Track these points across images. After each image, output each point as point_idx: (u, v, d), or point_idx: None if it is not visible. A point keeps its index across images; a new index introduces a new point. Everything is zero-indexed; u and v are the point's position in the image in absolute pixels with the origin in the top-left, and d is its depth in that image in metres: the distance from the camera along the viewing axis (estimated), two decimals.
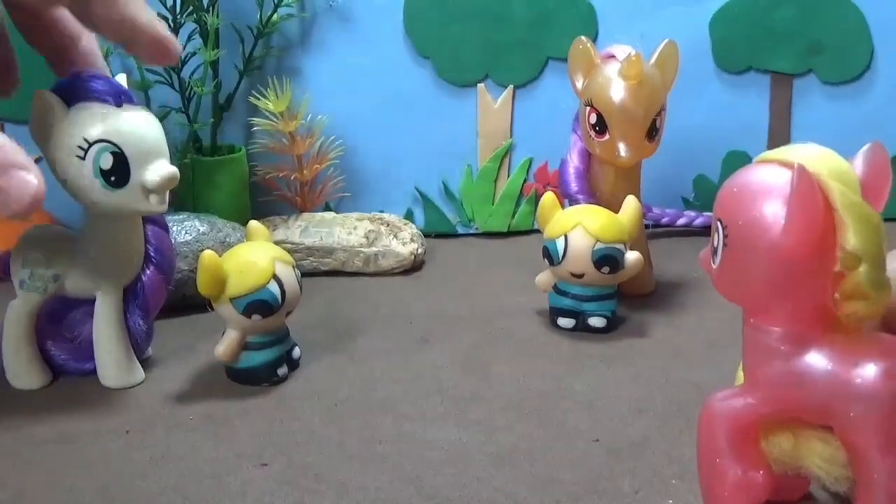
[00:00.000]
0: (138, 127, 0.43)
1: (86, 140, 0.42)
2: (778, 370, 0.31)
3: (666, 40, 0.54)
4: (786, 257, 0.29)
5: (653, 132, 0.54)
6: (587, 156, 0.57)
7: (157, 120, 0.45)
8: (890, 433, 0.29)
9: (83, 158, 0.42)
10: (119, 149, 0.42)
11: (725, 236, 0.32)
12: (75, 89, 0.43)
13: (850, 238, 0.29)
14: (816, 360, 0.30)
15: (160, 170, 0.43)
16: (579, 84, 0.55)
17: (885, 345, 0.30)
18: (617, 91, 0.52)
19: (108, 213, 0.45)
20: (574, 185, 0.57)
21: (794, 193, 0.29)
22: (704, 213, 0.72)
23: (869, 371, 0.29)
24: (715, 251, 0.33)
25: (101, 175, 0.43)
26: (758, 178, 0.31)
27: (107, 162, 0.42)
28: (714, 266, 0.33)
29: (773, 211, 0.30)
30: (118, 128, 0.42)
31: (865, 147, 0.31)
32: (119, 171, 0.43)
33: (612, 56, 0.54)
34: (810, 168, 0.29)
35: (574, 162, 0.57)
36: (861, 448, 0.30)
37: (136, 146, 0.43)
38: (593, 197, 0.56)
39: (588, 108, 0.53)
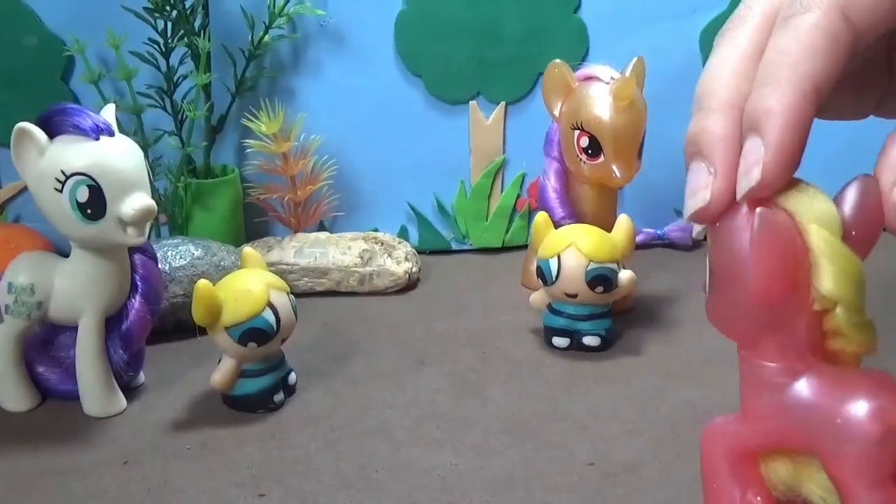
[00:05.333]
0: (116, 159, 0.43)
1: (63, 173, 0.43)
2: (766, 402, 0.31)
3: (635, 58, 0.55)
4: (757, 298, 0.29)
5: (640, 150, 0.54)
6: (565, 176, 0.57)
7: (138, 151, 0.45)
8: (873, 471, 0.29)
9: (60, 191, 0.43)
10: (95, 182, 0.43)
11: (711, 270, 0.32)
12: (56, 122, 0.43)
13: (825, 281, 0.28)
14: (803, 394, 0.30)
15: (136, 203, 0.44)
16: (557, 109, 0.55)
17: (874, 383, 0.30)
18: (612, 113, 0.52)
19: (87, 244, 0.45)
20: (560, 211, 0.57)
21: (752, 239, 0.28)
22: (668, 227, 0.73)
23: (854, 409, 0.29)
24: (707, 280, 0.33)
25: (78, 208, 0.43)
26: (738, 216, 0.31)
27: (83, 195, 0.43)
28: (706, 296, 0.33)
29: (745, 251, 0.29)
30: (95, 161, 0.43)
31: (856, 183, 0.29)
32: (95, 203, 0.43)
33: (592, 77, 0.54)
34: (788, 206, 0.29)
35: (553, 185, 0.57)
36: (844, 483, 0.29)
37: (113, 179, 0.43)
38: (577, 219, 0.56)
39: (577, 131, 0.53)
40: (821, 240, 0.29)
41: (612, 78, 0.53)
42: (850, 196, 0.30)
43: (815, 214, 0.29)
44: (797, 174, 0.31)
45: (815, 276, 0.29)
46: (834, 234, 0.29)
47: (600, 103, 0.52)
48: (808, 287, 0.29)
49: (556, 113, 0.55)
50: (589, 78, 0.54)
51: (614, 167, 0.53)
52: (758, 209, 0.29)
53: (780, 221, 0.29)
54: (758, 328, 0.31)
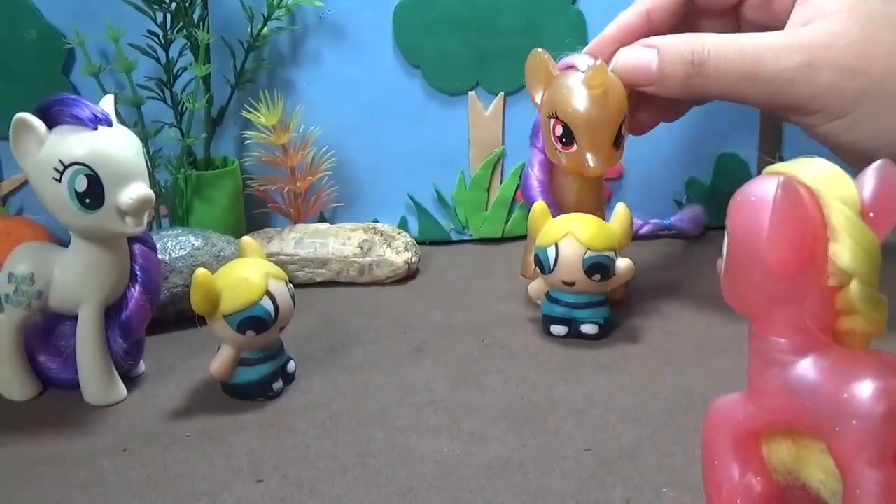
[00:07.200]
0: (114, 149, 0.44)
1: (61, 162, 0.43)
2: (774, 379, 0.32)
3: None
4: (772, 269, 0.30)
5: (618, 140, 0.54)
6: (549, 167, 0.58)
7: (136, 141, 0.45)
8: (875, 449, 0.29)
9: (59, 181, 0.43)
10: (93, 171, 0.43)
11: (728, 244, 0.32)
12: (55, 112, 0.44)
13: (842, 255, 0.29)
14: (809, 372, 0.31)
15: (134, 192, 0.44)
16: (538, 97, 0.55)
17: (881, 363, 0.30)
18: (583, 101, 0.52)
19: (86, 234, 0.45)
20: (542, 200, 0.57)
21: (774, 206, 0.29)
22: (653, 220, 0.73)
23: (858, 389, 0.29)
24: (723, 258, 0.33)
25: (77, 197, 0.43)
26: (758, 190, 0.31)
27: (81, 184, 0.43)
28: (720, 272, 0.33)
29: (765, 222, 0.30)
30: (93, 150, 0.43)
31: (876, 165, 0.30)
32: (94, 193, 0.43)
33: (572, 67, 0.54)
34: (811, 183, 0.30)
35: (537, 174, 0.58)
36: (846, 461, 0.30)
37: (111, 169, 0.43)
38: (560, 209, 0.57)
39: (553, 120, 0.53)
40: (842, 215, 0.29)
41: (588, 67, 0.53)
42: (870, 179, 0.31)
43: (837, 192, 0.30)
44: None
45: (833, 250, 0.29)
46: (854, 211, 0.29)
47: (574, 92, 0.52)
48: (823, 262, 0.30)
49: (538, 101, 0.55)
50: (569, 67, 0.54)
51: (588, 156, 0.53)
52: (781, 178, 0.29)
53: (802, 192, 0.29)
54: (771, 302, 0.31)
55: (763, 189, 0.31)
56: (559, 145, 0.54)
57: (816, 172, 0.31)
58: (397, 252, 0.65)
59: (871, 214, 0.30)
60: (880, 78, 0.48)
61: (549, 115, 0.54)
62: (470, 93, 0.70)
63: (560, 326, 0.55)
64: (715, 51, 0.49)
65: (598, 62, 0.52)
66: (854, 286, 0.29)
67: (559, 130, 0.53)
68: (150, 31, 0.63)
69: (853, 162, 0.50)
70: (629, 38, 0.55)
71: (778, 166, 0.32)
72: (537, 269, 0.54)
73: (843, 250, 0.29)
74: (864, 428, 0.29)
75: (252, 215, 0.70)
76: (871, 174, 0.31)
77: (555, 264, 0.52)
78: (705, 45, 0.49)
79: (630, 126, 0.56)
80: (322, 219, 0.71)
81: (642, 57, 0.51)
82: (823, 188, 0.30)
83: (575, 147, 0.53)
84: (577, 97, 0.52)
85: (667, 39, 0.51)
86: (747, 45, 0.49)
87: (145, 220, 0.46)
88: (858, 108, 0.48)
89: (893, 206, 0.30)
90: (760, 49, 0.49)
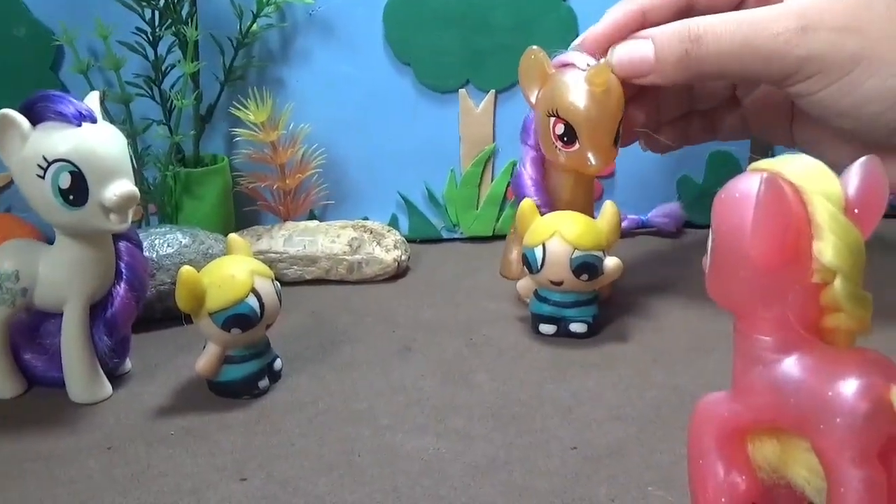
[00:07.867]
0: (98, 146, 0.44)
1: (45, 159, 0.43)
2: (759, 377, 0.31)
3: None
4: (756, 265, 0.30)
5: (617, 138, 0.54)
6: (541, 164, 0.57)
7: (121, 137, 0.45)
8: (859, 447, 0.29)
9: (43, 177, 0.43)
10: (77, 168, 0.43)
11: (713, 240, 0.32)
12: (39, 109, 0.43)
13: (826, 252, 0.29)
14: (794, 369, 0.31)
15: (119, 189, 0.44)
16: (533, 96, 0.55)
17: (865, 361, 0.30)
18: (587, 100, 0.52)
19: (70, 231, 0.45)
20: (535, 200, 0.56)
21: (757, 202, 0.29)
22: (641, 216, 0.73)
23: (842, 387, 0.29)
24: (708, 254, 0.33)
25: (60, 194, 0.43)
26: (742, 186, 0.31)
27: (65, 181, 0.43)
28: (705, 270, 0.33)
29: (749, 219, 0.30)
30: (76, 147, 0.43)
31: (861, 161, 0.30)
32: (77, 190, 0.43)
33: (568, 64, 0.54)
34: (795, 180, 0.29)
35: (529, 173, 0.57)
36: (831, 459, 0.30)
37: (95, 165, 0.43)
38: (553, 207, 0.56)
39: (553, 118, 0.53)
40: (825, 212, 0.29)
41: (588, 65, 0.53)
42: (855, 175, 0.30)
43: (821, 188, 0.30)
44: (798, 154, 0.31)
45: (816, 247, 0.29)
46: (837, 208, 0.29)
47: (575, 90, 0.52)
48: (807, 259, 0.30)
49: (533, 100, 0.55)
50: (566, 65, 0.54)
51: (589, 154, 0.53)
52: (764, 174, 0.29)
53: (785, 189, 0.29)
54: (755, 299, 0.31)
55: (747, 185, 0.31)
56: (560, 144, 0.53)
57: (800, 169, 0.30)
58: (387, 250, 0.65)
59: (856, 211, 0.30)
60: (876, 41, 0.48)
61: (549, 114, 0.53)
62: (461, 90, 0.70)
63: (548, 325, 0.55)
64: (710, 25, 0.49)
65: (603, 60, 0.52)
66: (838, 283, 0.29)
67: (560, 129, 0.53)
68: (138, 28, 0.62)
69: (852, 133, 0.50)
70: (621, 35, 0.54)
71: (762, 163, 0.32)
72: (525, 268, 0.54)
73: (827, 247, 0.29)
74: (847, 426, 0.29)
75: (241, 213, 0.70)
76: (855, 170, 0.30)
77: (542, 264, 0.52)
78: (700, 22, 0.50)
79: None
80: (312, 216, 0.71)
81: (639, 48, 0.51)
82: (807, 184, 0.30)
83: (577, 146, 0.53)
84: (580, 95, 0.52)
85: (660, 27, 0.51)
86: (742, 17, 0.49)
87: (130, 216, 0.46)
88: (858, 66, 0.47)
89: (878, 202, 0.30)
90: (755, 19, 0.49)
